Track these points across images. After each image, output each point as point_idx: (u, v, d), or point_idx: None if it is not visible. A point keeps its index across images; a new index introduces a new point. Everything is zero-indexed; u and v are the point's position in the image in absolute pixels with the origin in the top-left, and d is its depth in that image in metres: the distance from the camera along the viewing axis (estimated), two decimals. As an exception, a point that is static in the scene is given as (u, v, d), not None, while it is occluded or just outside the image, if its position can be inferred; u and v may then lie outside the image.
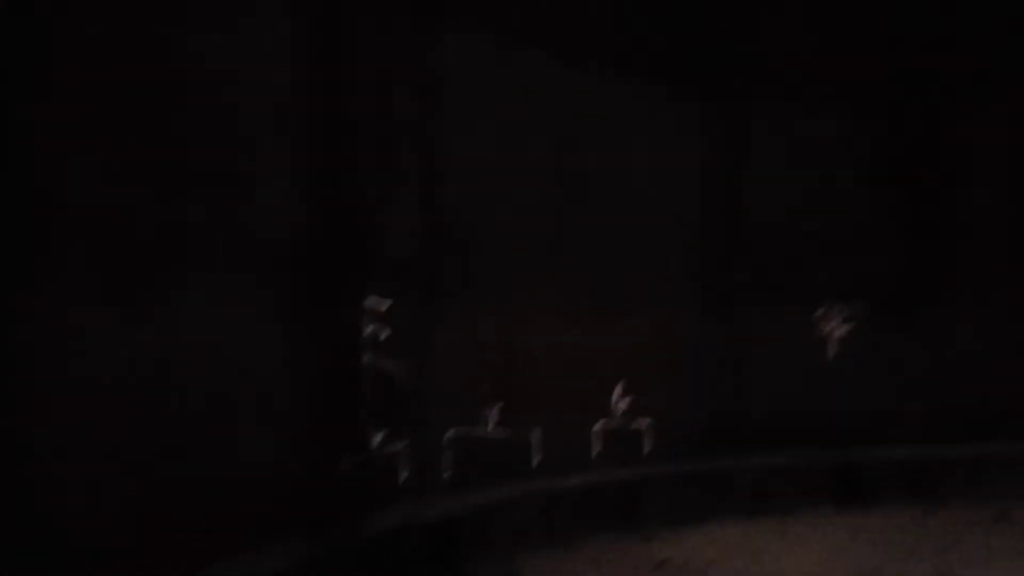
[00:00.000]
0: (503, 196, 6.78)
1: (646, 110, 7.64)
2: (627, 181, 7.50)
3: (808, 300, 7.96)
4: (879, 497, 7.50)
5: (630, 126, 7.53)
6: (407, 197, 6.25)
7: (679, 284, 7.71)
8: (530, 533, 6.28)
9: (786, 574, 5.77)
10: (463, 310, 6.47)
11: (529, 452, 6.62)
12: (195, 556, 4.36)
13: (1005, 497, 7.35)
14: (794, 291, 7.96)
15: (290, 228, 5.30)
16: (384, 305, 5.82)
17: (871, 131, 8.32)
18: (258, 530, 4.79)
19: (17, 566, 3.92)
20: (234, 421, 4.89)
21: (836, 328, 7.96)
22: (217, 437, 4.78)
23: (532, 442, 6.63)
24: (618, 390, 7.15)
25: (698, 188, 7.93)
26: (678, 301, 7.68)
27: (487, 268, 6.65)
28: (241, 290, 4.97)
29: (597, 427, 7.09)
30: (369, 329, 5.73)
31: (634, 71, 7.54)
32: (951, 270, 8.15)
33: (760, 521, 7.00)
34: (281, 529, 4.94)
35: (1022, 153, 8.19)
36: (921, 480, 7.62)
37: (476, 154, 6.60)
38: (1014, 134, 8.20)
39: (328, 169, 5.55)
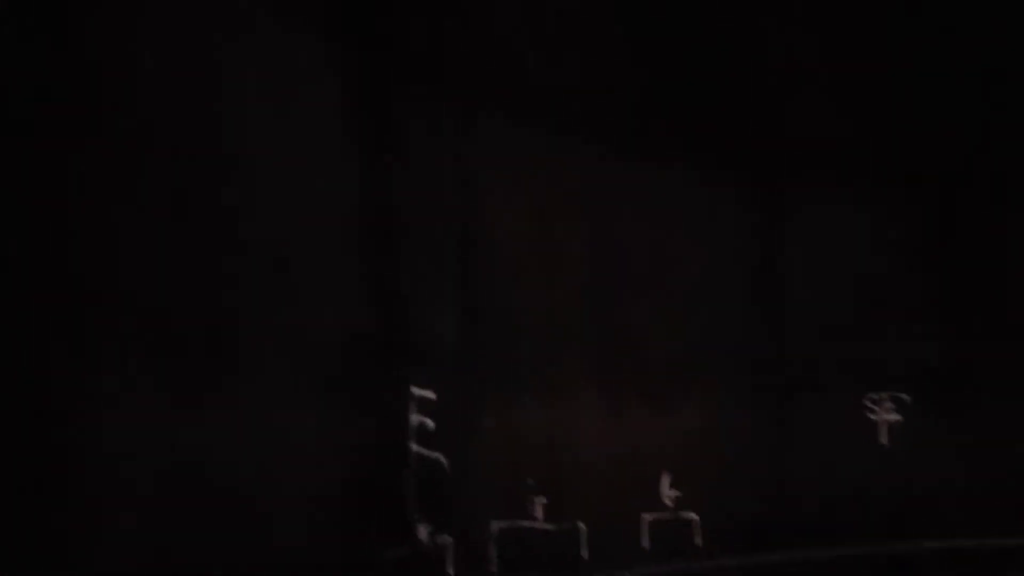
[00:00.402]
0: (545, 283, 6.75)
1: (686, 199, 7.63)
2: (669, 268, 7.46)
3: (856, 387, 7.82)
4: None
5: (671, 214, 7.51)
6: (450, 285, 6.25)
7: (724, 372, 7.60)
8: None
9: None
10: (507, 399, 6.40)
11: (577, 545, 6.47)
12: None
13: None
14: (841, 379, 7.83)
15: (339, 319, 5.30)
16: (429, 394, 5.77)
17: (912, 217, 8.26)
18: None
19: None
20: (281, 510, 4.83)
21: (885, 416, 7.82)
22: (264, 525, 4.73)
23: (580, 535, 6.49)
24: (665, 481, 7.01)
25: (739, 275, 7.87)
26: (724, 389, 7.57)
27: (531, 357, 6.59)
28: (290, 380, 4.95)
29: (645, 520, 6.93)
30: (415, 419, 5.68)
31: (673, 160, 7.55)
32: (1003, 357, 8.01)
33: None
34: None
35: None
36: (980, 572, 7.39)
37: (517, 241, 6.60)
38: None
39: (376, 262, 5.58)
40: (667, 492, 7.00)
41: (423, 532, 5.59)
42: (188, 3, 4.72)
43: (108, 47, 4.42)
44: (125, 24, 4.50)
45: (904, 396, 7.82)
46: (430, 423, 5.71)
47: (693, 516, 7.05)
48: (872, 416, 7.82)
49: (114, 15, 4.46)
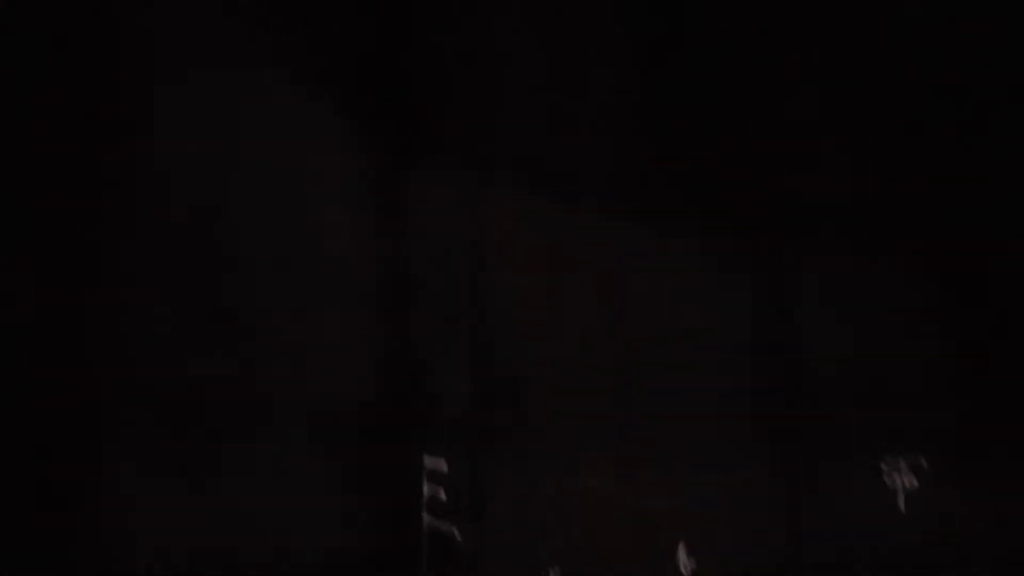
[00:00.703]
0: (556, 348, 6.70)
1: (697, 263, 7.59)
2: (680, 331, 7.40)
3: (872, 451, 7.71)
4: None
5: (682, 277, 7.47)
6: (460, 351, 6.19)
7: (738, 435, 7.52)
8: None
9: None
10: (519, 467, 6.31)
11: (592, 617, 6.36)
12: None
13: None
14: (857, 442, 7.72)
15: (352, 391, 5.24)
16: (441, 464, 5.69)
17: (926, 280, 8.20)
18: None
19: None
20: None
21: (903, 481, 7.71)
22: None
23: (595, 607, 6.38)
24: (682, 548, 6.90)
25: (751, 338, 7.80)
26: (739, 454, 7.49)
27: (542, 424, 6.52)
28: (300, 455, 4.89)
29: (661, 589, 6.82)
30: (427, 490, 5.59)
31: (684, 224, 7.52)
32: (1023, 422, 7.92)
33: None
34: None
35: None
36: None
37: (527, 306, 6.56)
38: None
39: (389, 329, 5.53)
40: (684, 560, 6.88)
41: (436, 607, 5.48)
42: (208, 70, 4.74)
43: (121, 101, 4.42)
44: (138, 77, 4.51)
45: (922, 461, 7.72)
46: (442, 494, 5.62)
47: (710, 585, 6.94)
48: (889, 481, 7.71)
49: (128, 71, 4.47)
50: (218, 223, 4.80)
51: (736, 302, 7.91)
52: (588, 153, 7.08)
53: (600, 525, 6.61)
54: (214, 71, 4.82)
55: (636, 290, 7.39)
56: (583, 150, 7.04)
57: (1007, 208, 8.09)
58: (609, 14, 7.26)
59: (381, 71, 5.86)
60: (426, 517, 5.55)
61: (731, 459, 7.51)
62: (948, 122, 8.19)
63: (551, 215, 6.74)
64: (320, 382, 5.07)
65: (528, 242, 6.64)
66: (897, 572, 7.53)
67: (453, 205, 6.27)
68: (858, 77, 8.21)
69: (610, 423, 6.91)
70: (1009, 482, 7.86)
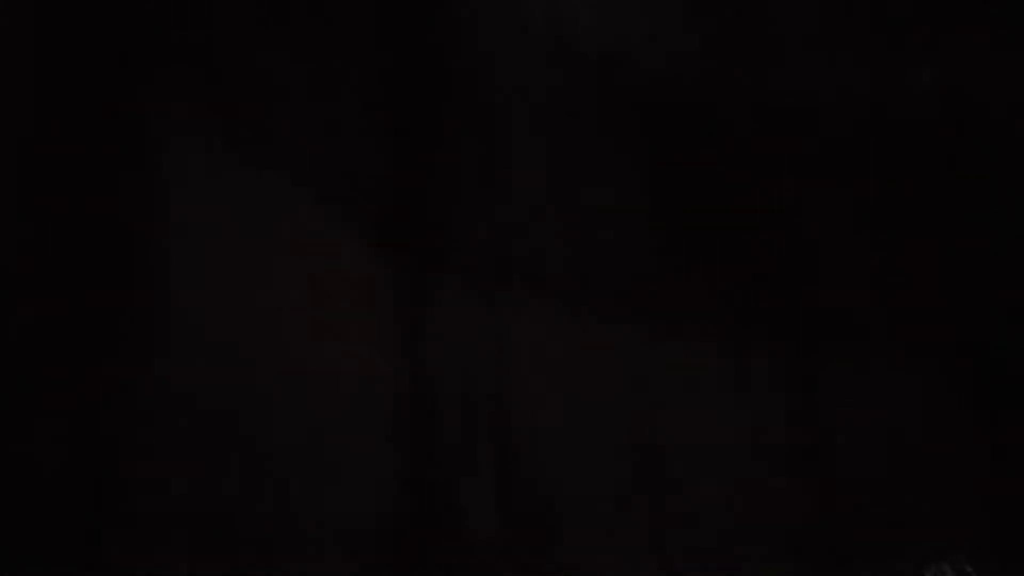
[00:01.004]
0: (585, 466, 6.58)
1: (720, 373, 7.51)
2: (705, 443, 7.29)
3: (913, 559, 7.53)
4: None
5: (707, 389, 7.38)
6: (485, 473, 6.08)
7: (774, 546, 7.34)
8: None
9: None
10: (550, 589, 6.16)
11: None
12: None
13: None
14: (896, 552, 7.54)
15: (372, 514, 5.14)
16: (469, 590, 5.53)
17: (956, 380, 8.10)
18: None
19: None
20: None
21: (948, 588, 7.48)
22: None
23: None
24: (722, 671, 6.67)
25: (780, 447, 7.68)
26: (775, 564, 7.30)
27: (574, 543, 6.37)
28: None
29: None
30: (455, 619, 5.42)
31: (706, 335, 7.47)
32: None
33: None
34: None
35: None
36: None
37: (553, 425, 6.46)
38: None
39: (412, 453, 5.43)
40: None
41: None
42: (230, 194, 4.75)
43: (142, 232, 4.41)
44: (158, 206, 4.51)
45: (967, 567, 7.49)
46: (470, 622, 5.45)
47: None
48: (933, 589, 7.49)
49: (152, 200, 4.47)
50: (234, 340, 4.77)
51: (763, 415, 7.78)
52: (606, 261, 7.07)
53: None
54: (225, 182, 4.83)
55: (663, 407, 7.27)
56: (600, 258, 7.03)
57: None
58: (610, 145, 7.33)
59: (402, 198, 5.88)
60: (454, 648, 5.37)
61: (770, 571, 7.31)
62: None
63: (573, 327, 6.69)
64: (336, 504, 4.96)
65: (552, 357, 6.57)
66: None
67: (472, 322, 6.22)
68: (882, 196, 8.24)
69: (643, 541, 6.75)
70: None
